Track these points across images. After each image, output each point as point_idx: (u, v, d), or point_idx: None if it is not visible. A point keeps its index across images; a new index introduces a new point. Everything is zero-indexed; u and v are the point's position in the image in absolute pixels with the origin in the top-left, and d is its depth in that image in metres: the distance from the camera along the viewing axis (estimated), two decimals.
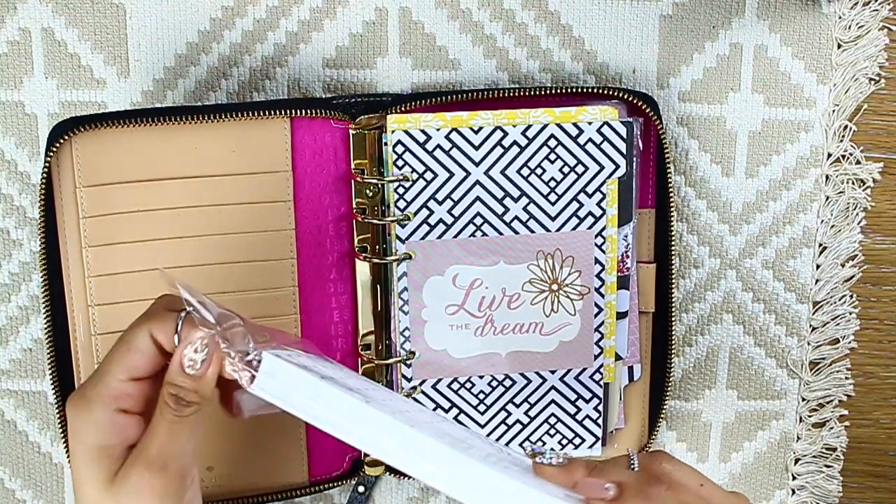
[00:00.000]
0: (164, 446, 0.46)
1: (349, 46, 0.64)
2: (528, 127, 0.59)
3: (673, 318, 0.64)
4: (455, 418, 0.63)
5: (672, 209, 0.62)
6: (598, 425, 0.64)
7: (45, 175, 0.57)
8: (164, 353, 0.47)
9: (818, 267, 0.67)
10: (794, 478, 0.69)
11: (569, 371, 0.63)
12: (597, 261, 0.61)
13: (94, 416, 0.46)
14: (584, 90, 0.60)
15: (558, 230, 0.61)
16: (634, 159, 0.61)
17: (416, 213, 0.60)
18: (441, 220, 0.60)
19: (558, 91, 0.60)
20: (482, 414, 0.63)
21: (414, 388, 0.62)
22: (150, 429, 0.47)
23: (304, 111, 0.59)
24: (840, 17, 0.64)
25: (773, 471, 0.69)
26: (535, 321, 0.62)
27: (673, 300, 0.63)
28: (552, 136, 0.59)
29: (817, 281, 0.67)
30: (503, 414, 0.63)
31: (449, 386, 0.63)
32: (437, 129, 0.59)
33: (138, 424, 0.47)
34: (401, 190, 0.60)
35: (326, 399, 0.46)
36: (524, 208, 0.60)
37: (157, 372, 0.48)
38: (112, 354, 0.47)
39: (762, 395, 0.68)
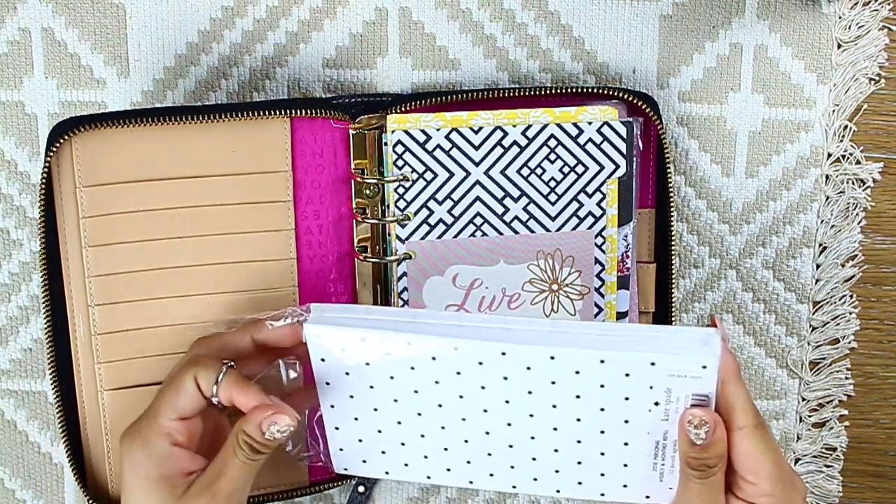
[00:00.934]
0: (233, 482, 0.50)
1: (349, 46, 0.64)
2: (528, 127, 0.59)
3: (673, 318, 0.63)
4: None
5: (672, 209, 0.62)
6: None
7: (45, 175, 0.57)
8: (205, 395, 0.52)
9: (818, 267, 0.67)
10: None
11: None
12: (597, 261, 0.61)
13: (154, 451, 0.51)
14: (584, 90, 0.60)
15: (558, 230, 0.61)
16: (634, 159, 0.61)
17: (416, 213, 0.60)
18: (441, 220, 0.60)
19: (558, 91, 0.60)
20: None
21: None
22: (220, 463, 0.51)
23: (304, 111, 0.59)
24: (840, 17, 0.64)
25: None
26: None
27: (673, 300, 0.63)
28: (552, 136, 0.59)
29: (817, 281, 0.67)
30: None
31: None
32: (437, 129, 0.59)
33: (191, 456, 0.52)
34: (401, 190, 0.60)
35: (377, 314, 0.50)
36: (524, 208, 0.60)
37: (202, 410, 0.52)
38: (162, 395, 0.52)
39: (762, 395, 0.68)
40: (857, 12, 0.63)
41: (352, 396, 0.53)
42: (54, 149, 0.56)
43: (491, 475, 0.54)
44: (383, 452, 0.55)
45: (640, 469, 0.53)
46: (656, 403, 0.50)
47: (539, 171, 0.60)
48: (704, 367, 0.48)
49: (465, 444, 0.53)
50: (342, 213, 0.61)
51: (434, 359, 0.49)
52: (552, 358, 0.48)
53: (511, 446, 0.53)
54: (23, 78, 0.63)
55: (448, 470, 0.54)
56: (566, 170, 0.60)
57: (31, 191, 0.64)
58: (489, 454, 0.53)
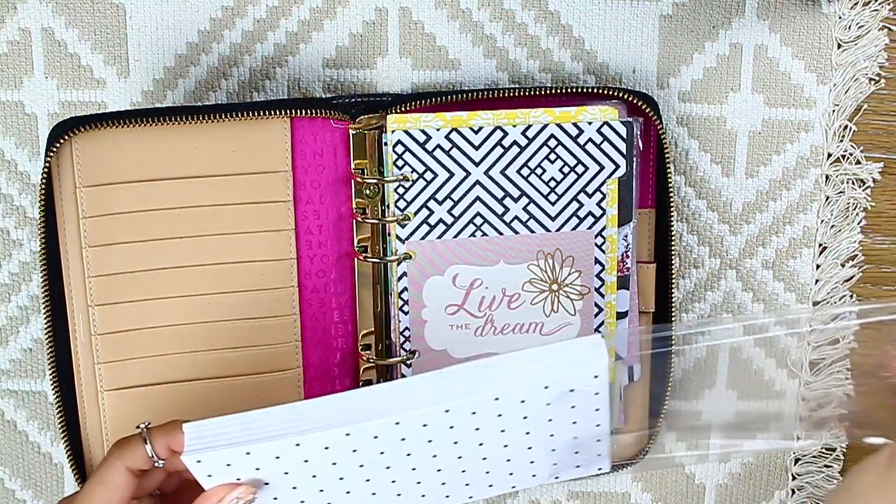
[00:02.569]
0: None
1: (349, 46, 0.64)
2: (528, 127, 0.59)
3: (673, 318, 0.63)
4: None
5: (672, 209, 0.62)
6: None
7: (45, 175, 0.57)
8: (142, 474, 0.50)
9: (818, 267, 0.67)
10: (794, 478, 0.69)
11: None
12: (597, 261, 0.61)
13: None
14: (584, 90, 0.60)
15: (558, 230, 0.61)
16: (634, 159, 0.61)
17: (416, 213, 0.60)
18: (441, 220, 0.60)
19: (558, 91, 0.60)
20: None
21: None
22: None
23: (304, 111, 0.59)
24: (840, 17, 0.64)
25: (773, 471, 0.69)
26: (535, 321, 0.62)
27: (673, 300, 0.63)
28: (552, 136, 0.59)
29: (817, 281, 0.67)
30: None
31: None
32: (437, 129, 0.59)
33: None
34: (401, 190, 0.60)
35: (257, 423, 0.49)
36: (524, 208, 0.60)
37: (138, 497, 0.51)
38: (90, 494, 0.49)
39: (762, 395, 0.68)
40: (857, 12, 0.63)
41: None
42: (54, 149, 0.56)
43: None
44: None
45: (572, 457, 0.55)
46: (550, 421, 0.51)
47: (539, 171, 0.60)
48: (596, 376, 0.50)
49: (390, 496, 0.53)
50: (342, 213, 0.61)
51: (327, 448, 0.49)
52: (447, 411, 0.49)
53: (444, 483, 0.53)
54: (23, 78, 0.63)
55: None
56: (566, 170, 0.60)
57: (31, 191, 0.64)
58: (424, 498, 0.54)
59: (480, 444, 0.52)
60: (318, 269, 0.61)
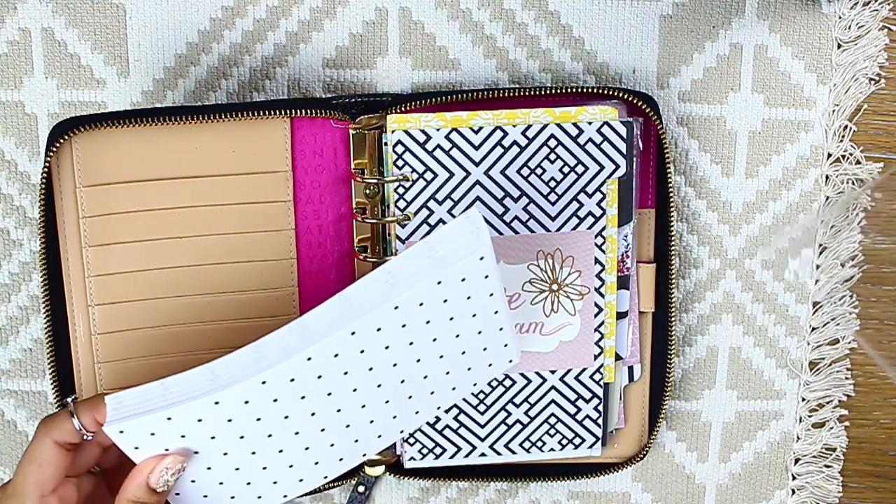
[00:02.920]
0: None
1: (349, 46, 0.64)
2: (528, 127, 0.59)
3: (673, 318, 0.64)
4: (455, 418, 0.63)
5: (672, 209, 0.62)
6: (598, 425, 0.64)
7: (45, 175, 0.57)
8: (73, 448, 0.49)
9: (818, 267, 0.67)
10: (794, 478, 0.69)
11: (569, 371, 0.63)
12: (597, 261, 0.61)
13: None
14: (584, 90, 0.60)
15: (558, 230, 0.61)
16: (634, 159, 0.61)
17: (416, 213, 0.60)
18: (441, 220, 0.60)
19: (558, 91, 0.60)
20: (482, 414, 0.63)
21: None
22: None
23: (304, 111, 0.59)
24: (840, 17, 0.64)
25: (773, 471, 0.69)
26: (535, 321, 0.62)
27: (673, 300, 0.63)
28: (552, 136, 0.59)
29: (817, 281, 0.67)
30: (503, 414, 0.63)
31: None
32: (437, 129, 0.59)
33: None
34: (401, 190, 0.60)
35: (175, 386, 0.48)
36: (524, 208, 0.60)
37: (74, 477, 0.50)
38: (22, 475, 0.48)
39: (762, 395, 0.68)
40: (857, 12, 0.63)
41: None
42: (54, 149, 0.56)
43: (361, 442, 0.53)
44: (232, 497, 0.52)
45: (481, 354, 0.54)
46: (451, 320, 0.50)
47: (539, 171, 0.60)
48: (482, 258, 0.49)
49: (321, 444, 0.52)
50: (342, 213, 0.61)
51: (247, 402, 0.48)
52: (353, 333, 0.48)
53: (372, 421, 0.52)
54: (23, 78, 0.63)
55: (301, 480, 0.53)
56: (566, 170, 0.60)
57: (31, 191, 0.64)
58: (356, 440, 0.53)
59: (394, 365, 0.50)
60: (318, 269, 0.61)
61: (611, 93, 0.60)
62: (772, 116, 0.65)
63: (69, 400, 0.49)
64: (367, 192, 0.60)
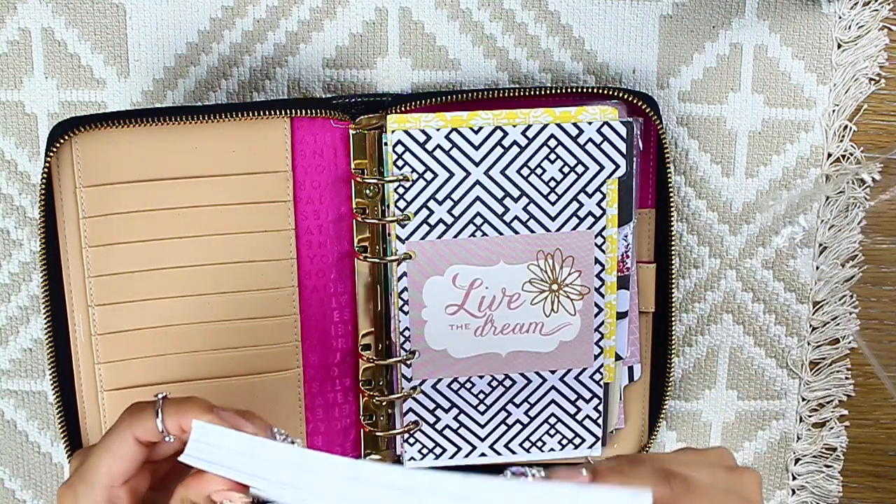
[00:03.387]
0: None
1: (349, 46, 0.64)
2: (528, 127, 0.59)
3: (673, 318, 0.64)
4: (455, 418, 0.63)
5: (672, 209, 0.62)
6: (598, 425, 0.64)
7: (45, 175, 0.57)
8: (151, 445, 0.47)
9: (818, 267, 0.67)
10: (794, 478, 0.69)
11: (569, 371, 0.63)
12: (597, 261, 0.61)
13: None
14: (584, 90, 0.60)
15: (558, 230, 0.61)
16: (634, 159, 0.61)
17: (416, 213, 0.60)
18: (441, 220, 0.60)
19: (558, 91, 0.60)
20: (482, 414, 0.63)
21: (414, 387, 0.62)
22: None
23: (304, 111, 0.59)
24: (840, 17, 0.64)
25: (773, 471, 0.69)
26: (535, 321, 0.62)
27: (673, 300, 0.63)
28: (552, 136, 0.59)
29: (817, 281, 0.67)
30: (503, 414, 0.63)
31: (449, 386, 0.63)
32: (437, 129, 0.59)
33: None
34: (401, 190, 0.60)
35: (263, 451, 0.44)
36: (524, 208, 0.60)
37: (149, 465, 0.48)
38: (96, 461, 0.47)
39: (762, 395, 0.68)
40: (857, 12, 0.63)
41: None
42: (54, 149, 0.56)
43: None
44: None
45: None
46: None
47: (539, 171, 0.60)
48: None
49: None
50: (342, 213, 0.61)
51: None
52: None
53: None
54: (23, 78, 0.63)
55: None
56: (566, 170, 0.60)
57: (31, 191, 0.64)
58: None
59: None
60: (318, 269, 0.61)
61: (611, 93, 0.60)
62: (772, 116, 0.65)
63: (159, 397, 0.47)
64: (367, 192, 0.60)
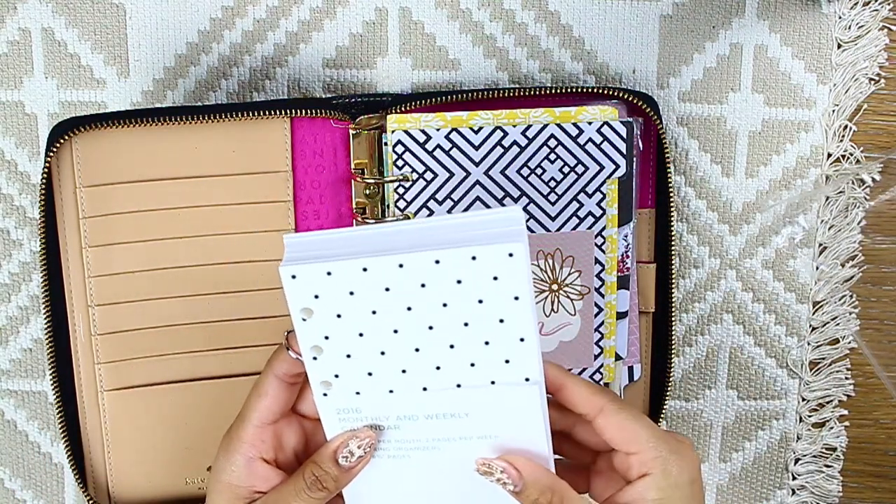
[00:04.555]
0: None
1: (349, 46, 0.64)
2: (528, 127, 0.59)
3: (673, 318, 0.64)
4: None
5: (672, 209, 0.62)
6: None
7: (45, 175, 0.57)
8: (294, 381, 0.50)
9: (818, 267, 0.67)
10: (794, 478, 0.69)
11: (569, 371, 0.63)
12: (597, 261, 0.61)
13: (234, 458, 0.49)
14: (584, 90, 0.60)
15: (558, 230, 0.61)
16: (634, 159, 0.61)
17: (416, 213, 0.60)
18: None
19: (558, 91, 0.60)
20: None
21: None
22: (280, 493, 0.49)
23: (304, 111, 0.59)
24: (840, 17, 0.64)
25: (773, 471, 0.69)
26: None
27: (673, 300, 0.63)
28: (552, 136, 0.59)
29: (817, 281, 0.67)
30: None
31: None
32: (437, 129, 0.59)
33: (267, 475, 0.50)
34: (401, 190, 0.60)
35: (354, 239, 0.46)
36: (524, 208, 0.60)
37: (296, 422, 0.51)
38: (248, 402, 0.50)
39: (762, 395, 0.68)
40: (857, 12, 0.63)
41: (360, 333, 0.47)
42: (54, 149, 0.56)
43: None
44: (391, 392, 0.48)
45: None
46: (480, 301, 0.45)
47: (539, 171, 0.60)
48: (511, 254, 0.44)
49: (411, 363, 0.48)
50: (342, 213, 0.61)
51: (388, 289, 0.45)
52: (401, 266, 0.45)
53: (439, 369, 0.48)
54: (23, 78, 0.63)
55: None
56: (566, 170, 0.60)
57: (31, 191, 0.64)
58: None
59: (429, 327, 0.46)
60: None
61: (611, 93, 0.60)
62: (772, 116, 0.65)
63: (285, 333, 0.49)
64: (367, 192, 0.60)
